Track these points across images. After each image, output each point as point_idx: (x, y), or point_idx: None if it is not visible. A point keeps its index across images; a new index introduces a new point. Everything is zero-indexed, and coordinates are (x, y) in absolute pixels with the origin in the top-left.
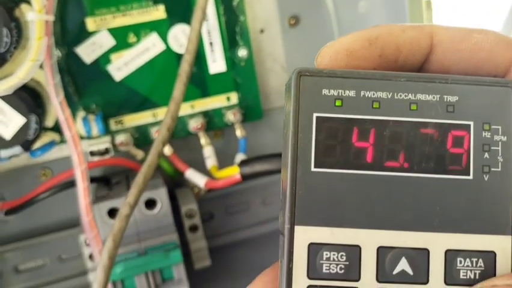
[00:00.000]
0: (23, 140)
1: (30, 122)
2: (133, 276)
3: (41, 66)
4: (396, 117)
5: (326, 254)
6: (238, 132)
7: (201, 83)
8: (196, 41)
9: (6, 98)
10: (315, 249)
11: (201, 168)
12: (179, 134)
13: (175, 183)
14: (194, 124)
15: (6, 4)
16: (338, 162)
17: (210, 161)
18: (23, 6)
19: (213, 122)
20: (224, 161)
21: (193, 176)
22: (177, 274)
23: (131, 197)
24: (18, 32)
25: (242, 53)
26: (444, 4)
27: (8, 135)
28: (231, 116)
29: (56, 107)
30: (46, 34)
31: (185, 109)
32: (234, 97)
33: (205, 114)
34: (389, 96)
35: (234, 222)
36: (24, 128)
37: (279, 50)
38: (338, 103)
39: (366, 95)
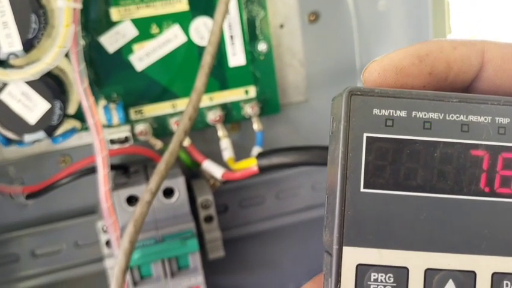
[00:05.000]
0: (47, 125)
1: (54, 108)
2: (150, 263)
3: (66, 55)
4: (447, 138)
5: (374, 276)
6: (256, 126)
7: (220, 75)
8: (218, 33)
9: (32, 83)
10: (363, 271)
11: (217, 160)
12: (197, 126)
13: (192, 174)
14: (212, 116)
15: None
16: (388, 183)
17: (227, 153)
18: None
19: (230, 114)
20: (240, 154)
21: (210, 166)
22: (193, 262)
23: (152, 183)
24: (45, 19)
25: (262, 47)
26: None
27: (32, 120)
28: (249, 109)
29: (81, 94)
30: (73, 21)
31: (204, 101)
32: (252, 91)
33: (224, 106)
34: (441, 117)
35: (247, 215)
36: (48, 114)
37: (298, 46)
38: (388, 123)
39: (418, 116)
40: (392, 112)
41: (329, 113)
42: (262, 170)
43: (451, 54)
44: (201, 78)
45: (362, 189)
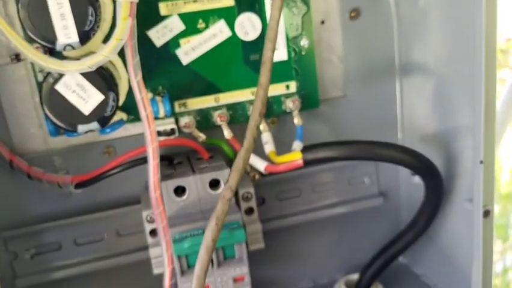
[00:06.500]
0: (100, 116)
1: (108, 99)
2: (198, 253)
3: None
4: None
5: None
6: (296, 120)
7: None
8: (276, 29)
9: (87, 75)
10: None
11: (257, 153)
12: (239, 119)
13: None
14: None
15: None
16: None
17: (269, 147)
18: None
19: (271, 108)
20: (276, 148)
21: (253, 159)
22: (238, 253)
23: (232, 181)
24: (99, 12)
25: (304, 42)
26: None
27: (86, 110)
28: (290, 104)
29: (134, 87)
30: (130, 15)
31: (247, 95)
32: (292, 86)
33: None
34: None
35: (284, 207)
36: (102, 105)
37: (338, 42)
38: None
39: None
40: None
41: (366, 108)
42: (307, 163)
43: None
44: (265, 74)
45: None
